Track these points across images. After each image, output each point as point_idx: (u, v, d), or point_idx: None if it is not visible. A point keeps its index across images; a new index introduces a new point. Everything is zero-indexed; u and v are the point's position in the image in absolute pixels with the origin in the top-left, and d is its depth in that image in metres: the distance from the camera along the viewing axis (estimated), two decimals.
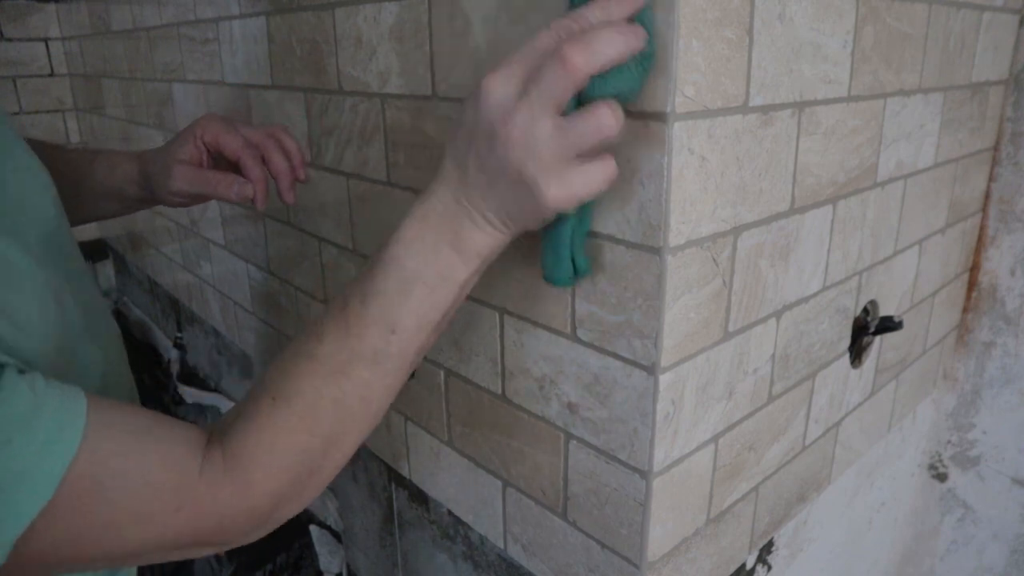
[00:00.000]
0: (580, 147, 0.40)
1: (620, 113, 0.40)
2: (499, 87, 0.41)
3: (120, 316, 1.94)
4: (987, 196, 0.91)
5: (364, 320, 0.45)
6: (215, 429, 0.46)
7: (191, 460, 0.43)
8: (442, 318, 0.47)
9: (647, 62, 0.42)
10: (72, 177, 0.69)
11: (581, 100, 0.41)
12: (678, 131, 0.44)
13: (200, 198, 0.68)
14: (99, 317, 0.59)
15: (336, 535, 1.04)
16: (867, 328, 0.73)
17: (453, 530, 0.77)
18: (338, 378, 0.45)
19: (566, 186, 0.41)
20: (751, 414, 0.60)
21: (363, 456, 0.92)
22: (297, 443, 0.45)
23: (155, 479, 0.42)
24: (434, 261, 0.45)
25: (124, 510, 0.41)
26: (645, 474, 0.52)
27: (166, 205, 0.70)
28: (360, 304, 0.45)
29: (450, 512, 0.76)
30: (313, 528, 1.03)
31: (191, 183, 0.65)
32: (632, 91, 0.43)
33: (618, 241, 0.49)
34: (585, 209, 0.48)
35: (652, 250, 0.47)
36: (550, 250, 0.48)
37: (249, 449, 0.44)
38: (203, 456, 0.44)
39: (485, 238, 0.45)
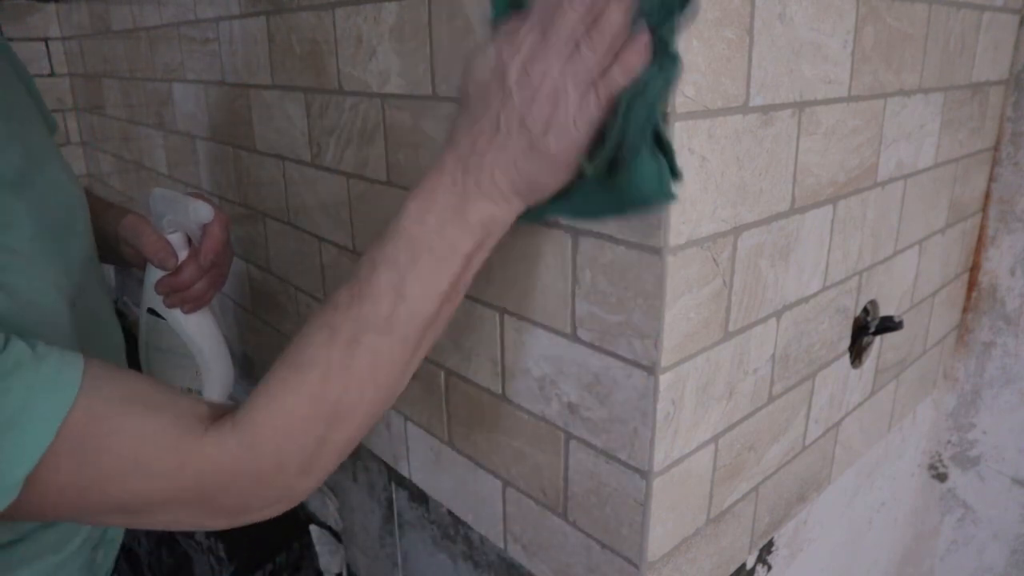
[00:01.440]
0: (595, 73, 0.40)
1: (645, 41, 0.39)
2: (498, 51, 0.42)
3: (120, 316, 1.94)
4: (987, 196, 0.91)
5: (374, 287, 0.46)
6: (234, 406, 0.47)
7: (194, 421, 0.45)
8: (450, 288, 0.47)
9: (670, 67, 0.40)
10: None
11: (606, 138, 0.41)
12: (678, 131, 0.44)
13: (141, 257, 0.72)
14: (106, 326, 0.61)
15: (336, 535, 1.04)
16: (867, 328, 0.73)
17: (453, 530, 0.77)
18: (350, 345, 0.46)
19: (589, 103, 0.40)
20: (751, 414, 0.60)
21: (363, 456, 0.92)
22: (305, 407, 0.45)
23: (153, 433, 0.43)
24: (441, 231, 0.45)
25: (124, 460, 0.42)
26: (645, 474, 0.52)
27: (115, 258, 0.74)
28: (370, 271, 0.46)
29: (450, 512, 0.76)
30: (313, 528, 1.03)
31: (131, 232, 0.69)
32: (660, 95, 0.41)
33: (618, 241, 0.49)
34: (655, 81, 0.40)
35: (652, 250, 0.47)
36: (629, 151, 0.41)
37: (258, 411, 0.45)
38: (211, 421, 0.45)
39: (493, 208, 0.45)
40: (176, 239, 0.70)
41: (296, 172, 0.85)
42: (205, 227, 0.69)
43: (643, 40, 0.39)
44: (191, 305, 0.72)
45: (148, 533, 1.65)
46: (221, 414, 0.47)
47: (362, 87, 0.69)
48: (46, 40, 1.78)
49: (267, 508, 0.48)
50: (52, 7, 1.75)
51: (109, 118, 1.55)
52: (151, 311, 0.73)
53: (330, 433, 0.47)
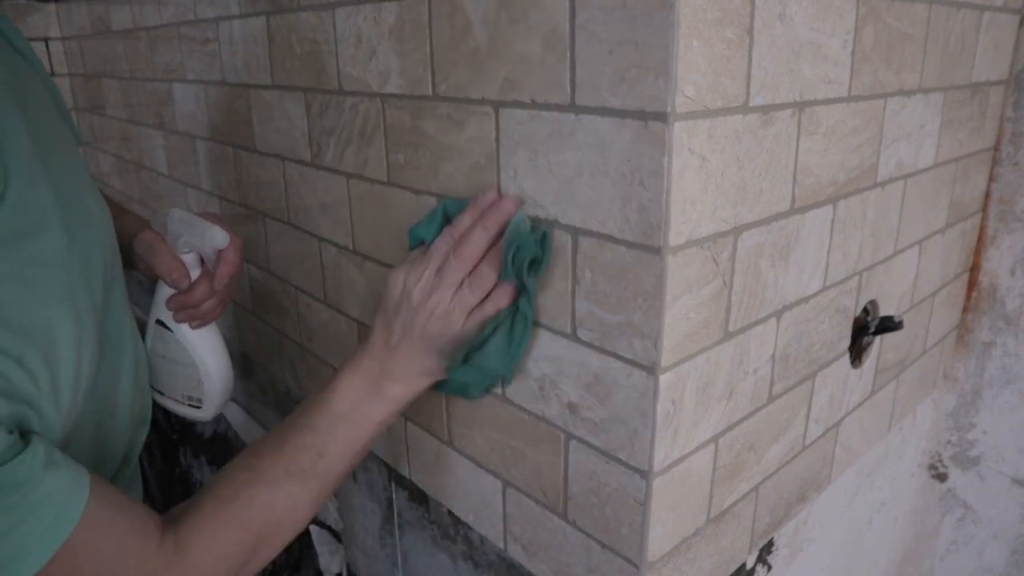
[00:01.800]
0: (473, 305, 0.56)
1: (510, 289, 0.55)
2: (405, 277, 0.57)
3: None
4: (987, 196, 0.91)
5: (297, 445, 0.58)
6: (171, 516, 0.55)
7: (151, 545, 0.52)
8: (362, 448, 0.60)
9: (536, 268, 0.54)
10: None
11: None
12: (678, 131, 0.44)
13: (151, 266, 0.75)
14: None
15: (336, 535, 1.04)
16: (867, 328, 0.73)
17: (453, 530, 0.77)
18: (270, 488, 0.56)
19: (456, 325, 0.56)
20: (751, 414, 0.60)
21: None
22: (233, 537, 0.55)
23: (130, 558, 0.51)
24: (359, 406, 0.59)
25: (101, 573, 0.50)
26: (645, 474, 0.52)
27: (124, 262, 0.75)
28: (295, 433, 0.58)
29: (450, 512, 0.76)
30: (313, 528, 1.03)
31: (147, 249, 0.72)
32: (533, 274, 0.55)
33: (618, 241, 0.49)
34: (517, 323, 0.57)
35: (652, 250, 0.47)
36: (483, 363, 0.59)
37: (195, 537, 0.54)
38: (160, 537, 0.53)
39: (402, 388, 0.59)
40: (189, 259, 0.72)
41: (296, 172, 0.85)
42: (220, 252, 0.71)
43: (508, 289, 0.55)
44: (199, 322, 0.75)
45: None
46: (164, 523, 0.54)
47: (362, 87, 0.69)
48: (46, 40, 1.78)
49: None
50: (52, 7, 1.75)
51: (109, 118, 1.55)
52: (159, 322, 0.76)
53: (254, 556, 0.57)
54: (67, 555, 0.46)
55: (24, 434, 0.48)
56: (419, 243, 0.61)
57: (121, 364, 0.67)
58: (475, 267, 0.55)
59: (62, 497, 0.47)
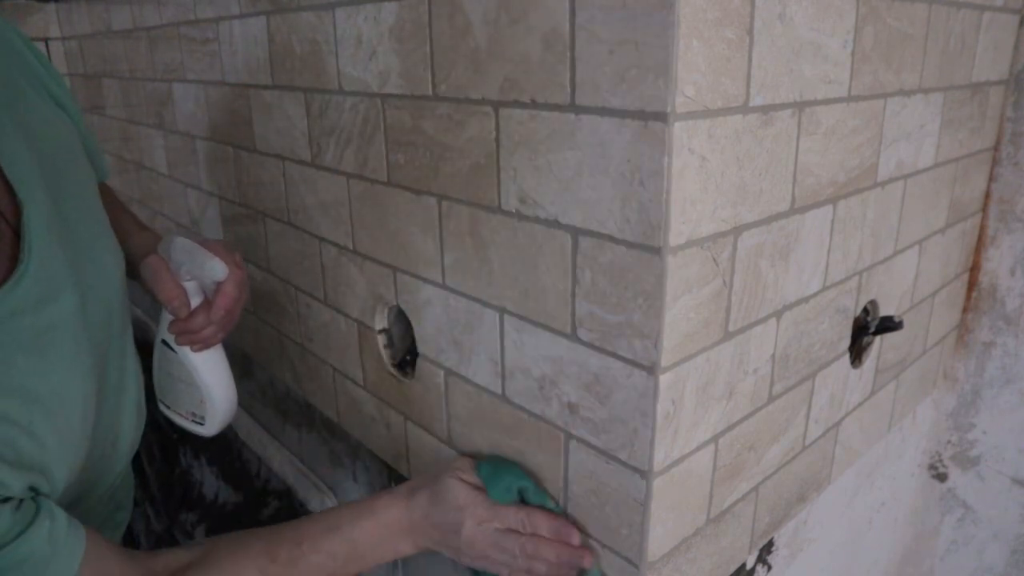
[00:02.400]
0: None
1: None
2: (471, 503, 0.61)
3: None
4: (987, 196, 0.91)
5: (310, 562, 0.61)
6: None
7: None
8: (363, 569, 0.65)
9: None
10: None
11: None
12: (678, 131, 0.44)
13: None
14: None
15: None
16: (867, 328, 0.73)
17: None
18: None
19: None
20: (751, 414, 0.60)
21: (363, 456, 0.92)
22: None
23: None
24: (378, 549, 0.63)
25: None
26: (645, 474, 0.52)
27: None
28: (312, 550, 0.61)
29: None
30: None
31: (151, 274, 0.72)
32: None
33: (618, 241, 0.49)
34: None
35: (652, 250, 0.47)
36: None
37: None
38: None
39: (413, 550, 0.64)
40: (191, 287, 0.73)
41: (296, 172, 0.85)
42: (219, 284, 0.71)
43: None
44: (200, 346, 0.76)
45: (148, 531, 1.65)
46: None
47: (362, 87, 0.69)
48: (46, 40, 1.77)
49: None
50: (52, 7, 1.75)
51: (109, 118, 1.55)
52: (164, 343, 0.77)
53: None
54: None
55: (34, 497, 0.51)
56: (506, 499, 0.62)
57: (123, 404, 0.69)
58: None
59: (61, 564, 0.50)
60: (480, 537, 0.60)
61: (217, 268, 0.70)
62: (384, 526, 0.63)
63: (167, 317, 0.75)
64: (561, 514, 0.60)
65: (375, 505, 0.63)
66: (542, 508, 0.60)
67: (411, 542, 0.63)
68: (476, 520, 0.60)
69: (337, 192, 0.78)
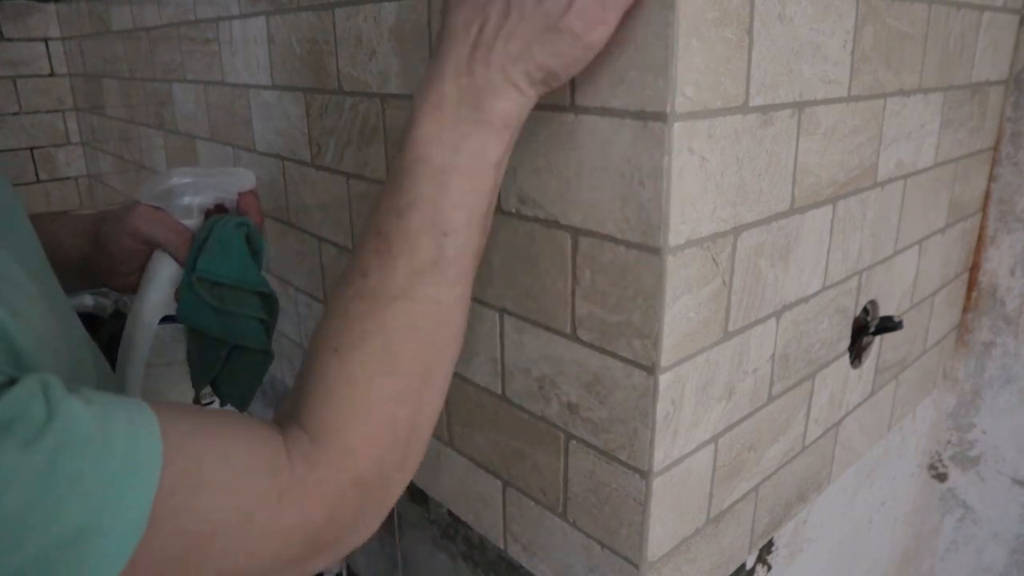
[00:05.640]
0: None
1: None
2: None
3: (120, 316, 1.94)
4: (987, 196, 0.91)
5: (408, 233, 0.41)
6: (281, 415, 0.41)
7: (277, 445, 0.38)
8: (488, 207, 0.43)
9: None
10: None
11: None
12: (678, 131, 0.44)
13: (143, 255, 0.64)
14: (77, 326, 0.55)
15: None
16: (867, 328, 0.73)
17: (453, 530, 0.77)
18: (403, 303, 0.40)
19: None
20: (751, 414, 0.60)
21: None
22: (382, 390, 0.40)
23: (246, 474, 0.36)
24: (463, 145, 0.41)
25: (224, 517, 0.35)
26: (645, 474, 0.52)
27: (106, 280, 0.65)
28: (397, 220, 0.41)
29: (450, 512, 0.76)
30: None
31: (150, 222, 0.62)
32: None
33: (618, 241, 0.49)
34: None
35: (652, 250, 0.47)
36: None
37: (332, 413, 0.39)
38: (284, 440, 0.38)
39: (511, 105, 0.41)
40: (192, 224, 0.65)
41: (296, 172, 0.85)
42: (242, 197, 0.64)
43: None
44: None
45: None
46: (280, 424, 0.40)
47: (362, 87, 0.69)
48: (46, 40, 1.78)
49: (368, 519, 0.42)
50: (52, 7, 1.75)
51: (109, 118, 1.55)
52: (169, 318, 0.67)
53: (418, 406, 0.41)
54: (167, 504, 0.32)
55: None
56: None
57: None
58: None
59: (125, 438, 0.32)
60: None
61: (243, 176, 0.62)
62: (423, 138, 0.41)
63: (166, 286, 0.64)
64: None
65: (408, 136, 0.42)
66: None
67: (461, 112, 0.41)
68: None
69: (337, 192, 0.78)
